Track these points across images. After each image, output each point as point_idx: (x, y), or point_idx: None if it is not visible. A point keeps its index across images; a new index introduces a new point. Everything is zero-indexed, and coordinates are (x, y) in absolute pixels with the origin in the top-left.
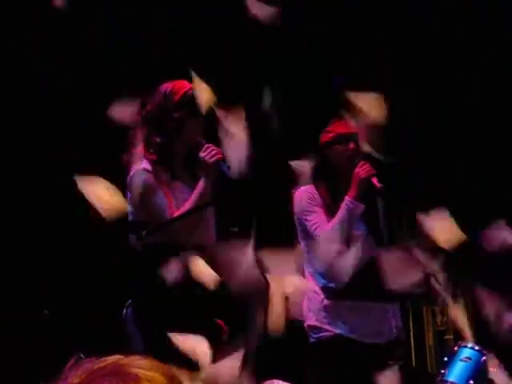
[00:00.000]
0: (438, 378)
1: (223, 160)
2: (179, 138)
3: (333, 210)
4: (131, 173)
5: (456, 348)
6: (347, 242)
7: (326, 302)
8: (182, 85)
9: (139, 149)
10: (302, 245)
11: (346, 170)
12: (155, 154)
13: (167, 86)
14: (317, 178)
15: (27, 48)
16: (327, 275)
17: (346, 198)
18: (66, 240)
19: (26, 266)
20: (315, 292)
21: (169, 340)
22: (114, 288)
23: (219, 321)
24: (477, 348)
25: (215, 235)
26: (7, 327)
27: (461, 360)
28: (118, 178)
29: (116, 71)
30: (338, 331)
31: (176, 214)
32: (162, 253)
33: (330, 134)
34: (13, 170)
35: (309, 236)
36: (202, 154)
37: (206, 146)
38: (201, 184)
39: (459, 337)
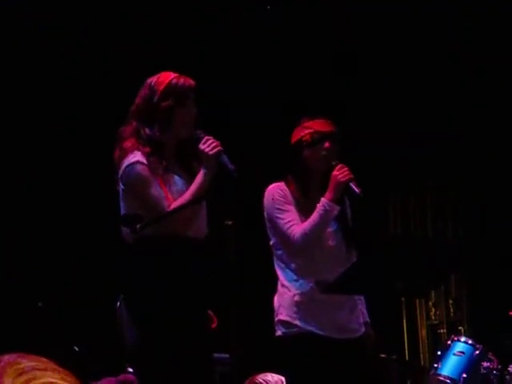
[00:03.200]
0: (431, 372)
1: (223, 152)
2: (169, 129)
3: (304, 208)
4: (124, 165)
5: (449, 342)
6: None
7: (296, 297)
8: (166, 75)
9: (129, 143)
10: (272, 241)
11: (319, 169)
12: (148, 147)
13: (152, 78)
14: (287, 174)
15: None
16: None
17: (323, 199)
18: (61, 232)
19: (20, 258)
20: (286, 287)
21: (161, 332)
22: (109, 280)
23: (209, 311)
24: (470, 342)
25: (207, 228)
26: (1, 319)
27: (454, 354)
28: (109, 173)
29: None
30: (308, 328)
31: (174, 205)
32: (157, 245)
33: (307, 131)
34: (9, 165)
35: (281, 234)
36: (202, 147)
37: (206, 138)
38: (200, 176)
39: (453, 331)
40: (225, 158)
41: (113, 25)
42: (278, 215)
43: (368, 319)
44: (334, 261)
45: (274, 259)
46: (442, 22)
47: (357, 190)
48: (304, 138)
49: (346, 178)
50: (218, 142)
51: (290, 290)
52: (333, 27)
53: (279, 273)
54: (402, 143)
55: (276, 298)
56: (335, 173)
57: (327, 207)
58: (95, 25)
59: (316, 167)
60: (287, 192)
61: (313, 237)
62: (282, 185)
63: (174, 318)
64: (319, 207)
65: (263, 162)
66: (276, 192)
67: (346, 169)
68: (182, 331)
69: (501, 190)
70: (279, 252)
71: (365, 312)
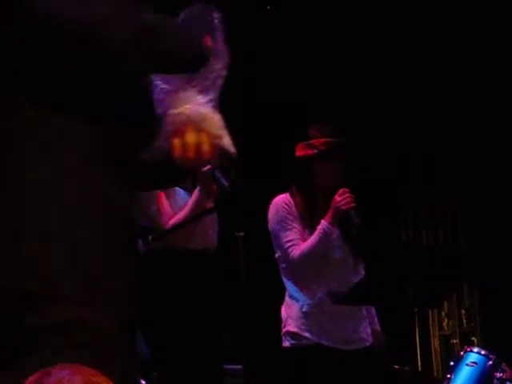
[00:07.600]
0: (444, 383)
1: (218, 168)
2: None
3: (308, 221)
4: None
5: (462, 353)
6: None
7: (305, 308)
8: None
9: None
10: (277, 254)
11: (327, 184)
12: None
13: None
14: (293, 187)
15: None
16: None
17: (323, 221)
18: None
19: None
20: (294, 298)
21: (171, 342)
22: None
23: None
24: (483, 352)
25: (216, 240)
26: None
27: (467, 365)
28: None
29: None
30: (316, 340)
31: (173, 221)
32: (159, 258)
33: (315, 151)
34: None
35: (281, 251)
36: None
37: None
38: (195, 193)
39: (465, 341)
40: (219, 174)
41: None
42: (280, 232)
43: (378, 327)
44: (341, 272)
45: (281, 271)
46: None
47: (356, 219)
48: (311, 157)
49: (347, 206)
50: None
51: (297, 301)
52: None
53: (287, 284)
54: (411, 149)
55: (283, 309)
56: (337, 198)
57: (327, 230)
58: None
59: (323, 183)
60: (292, 205)
61: (311, 258)
62: (287, 197)
63: (179, 330)
64: (319, 229)
65: (275, 174)
66: (281, 206)
67: (348, 195)
68: (188, 342)
69: None
70: (284, 265)
71: (375, 320)
